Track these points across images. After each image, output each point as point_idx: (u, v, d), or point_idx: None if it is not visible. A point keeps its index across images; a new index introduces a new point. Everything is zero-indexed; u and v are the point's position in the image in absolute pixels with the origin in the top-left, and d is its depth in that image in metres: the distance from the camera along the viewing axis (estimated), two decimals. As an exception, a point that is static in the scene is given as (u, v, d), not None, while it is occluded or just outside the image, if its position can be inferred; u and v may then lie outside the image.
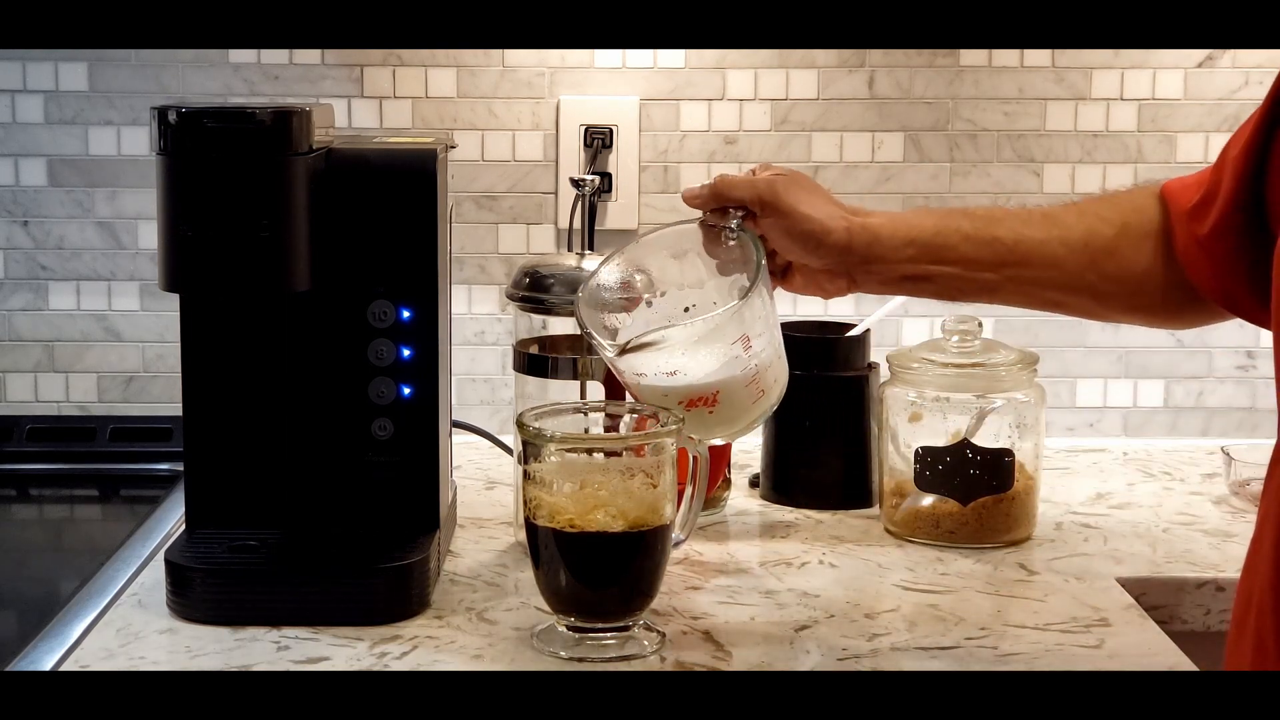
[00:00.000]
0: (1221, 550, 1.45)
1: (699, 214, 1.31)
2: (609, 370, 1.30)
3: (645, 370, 1.24)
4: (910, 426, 1.47)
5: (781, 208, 1.28)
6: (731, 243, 1.29)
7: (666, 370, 1.23)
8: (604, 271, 1.30)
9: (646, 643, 1.21)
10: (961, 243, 1.28)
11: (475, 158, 1.80)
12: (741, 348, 1.23)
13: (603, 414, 1.27)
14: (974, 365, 1.45)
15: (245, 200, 1.21)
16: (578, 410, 1.28)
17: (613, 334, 1.28)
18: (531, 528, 1.20)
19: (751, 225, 1.29)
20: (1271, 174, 1.18)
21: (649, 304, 1.30)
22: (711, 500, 1.52)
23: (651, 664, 1.19)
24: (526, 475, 1.21)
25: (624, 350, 1.22)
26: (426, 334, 1.31)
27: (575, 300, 1.28)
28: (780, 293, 1.32)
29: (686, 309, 1.29)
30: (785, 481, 1.57)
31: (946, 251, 1.28)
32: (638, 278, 1.30)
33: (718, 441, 1.33)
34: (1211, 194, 1.23)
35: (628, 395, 1.29)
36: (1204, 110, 1.82)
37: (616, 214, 1.78)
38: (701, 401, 1.24)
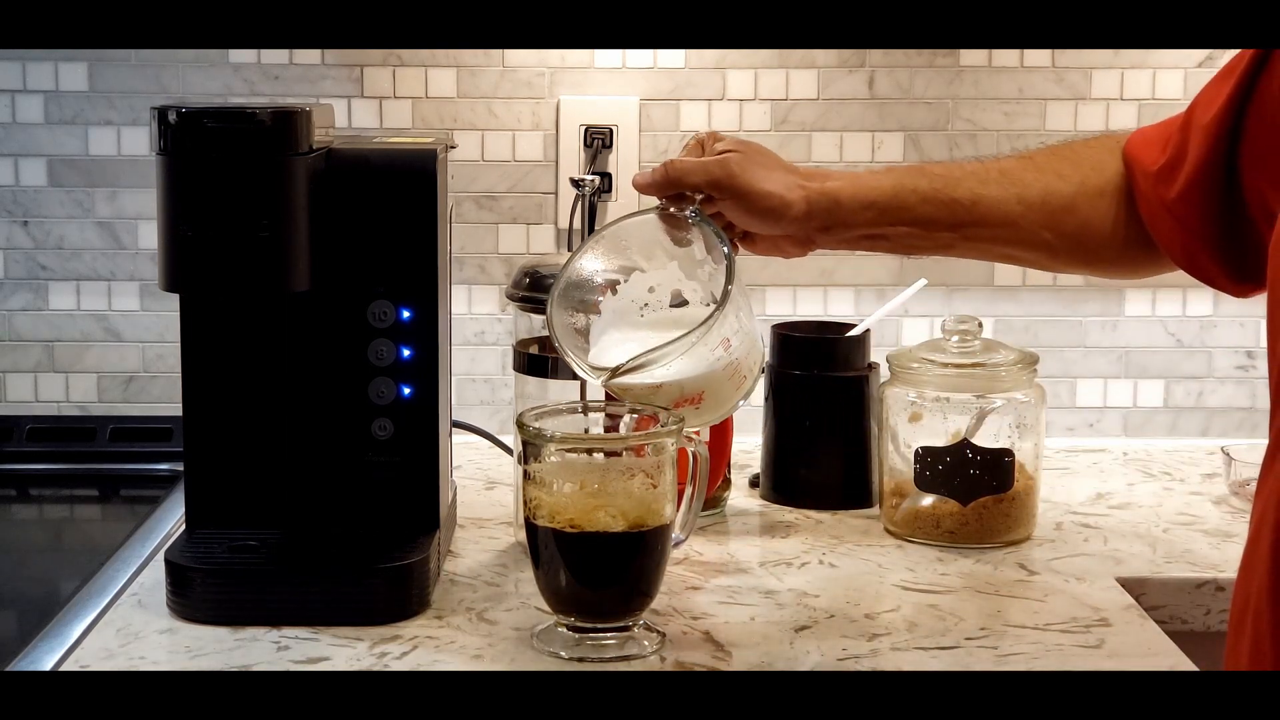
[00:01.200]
0: (1221, 550, 1.45)
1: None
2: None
3: (630, 385, 1.24)
4: (910, 426, 1.47)
5: (738, 188, 1.28)
6: (691, 226, 1.29)
7: (651, 385, 1.23)
8: (569, 272, 1.29)
9: (646, 643, 1.21)
10: (919, 204, 1.30)
11: (475, 158, 1.80)
12: (722, 349, 1.23)
13: (603, 414, 1.27)
14: (974, 365, 1.45)
15: (245, 200, 1.21)
16: (578, 410, 1.28)
17: (585, 334, 1.28)
18: (531, 528, 1.20)
19: (709, 206, 1.29)
20: (1245, 145, 1.19)
21: (614, 292, 1.29)
22: (711, 500, 1.52)
23: (651, 664, 1.19)
24: (526, 475, 1.21)
25: (612, 376, 1.22)
26: (426, 334, 1.31)
27: (547, 315, 1.27)
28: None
29: (651, 289, 1.29)
30: (785, 481, 1.57)
31: (904, 212, 1.30)
32: (604, 276, 1.30)
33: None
34: (1178, 158, 1.24)
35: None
36: (1204, 110, 1.82)
37: (616, 214, 1.77)
38: (688, 402, 1.25)
